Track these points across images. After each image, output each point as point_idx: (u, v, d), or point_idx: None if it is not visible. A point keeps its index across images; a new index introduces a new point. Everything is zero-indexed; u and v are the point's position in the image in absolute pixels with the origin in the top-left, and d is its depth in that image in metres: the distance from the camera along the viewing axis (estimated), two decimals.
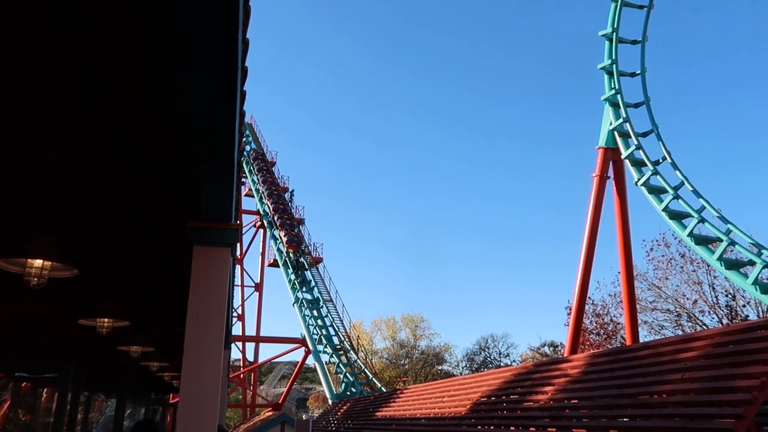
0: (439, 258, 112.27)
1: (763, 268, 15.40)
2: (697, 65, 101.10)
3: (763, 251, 16.33)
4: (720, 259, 16.38)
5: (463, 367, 53.37)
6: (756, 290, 15.51)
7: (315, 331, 31.29)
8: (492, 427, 8.90)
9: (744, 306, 24.86)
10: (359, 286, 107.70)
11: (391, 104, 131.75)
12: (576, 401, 7.53)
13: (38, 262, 4.42)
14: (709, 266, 23.47)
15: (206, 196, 3.37)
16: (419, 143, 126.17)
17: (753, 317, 23.73)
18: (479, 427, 9.34)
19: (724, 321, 24.60)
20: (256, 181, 39.93)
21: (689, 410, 5.37)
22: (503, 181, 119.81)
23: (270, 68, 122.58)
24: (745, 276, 15.89)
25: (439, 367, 53.76)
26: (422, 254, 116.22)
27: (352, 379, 28.71)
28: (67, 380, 8.16)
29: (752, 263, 15.79)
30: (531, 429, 7.74)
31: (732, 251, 16.83)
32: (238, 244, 4.36)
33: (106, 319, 6.61)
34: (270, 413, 31.28)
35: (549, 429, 7.39)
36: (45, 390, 10.38)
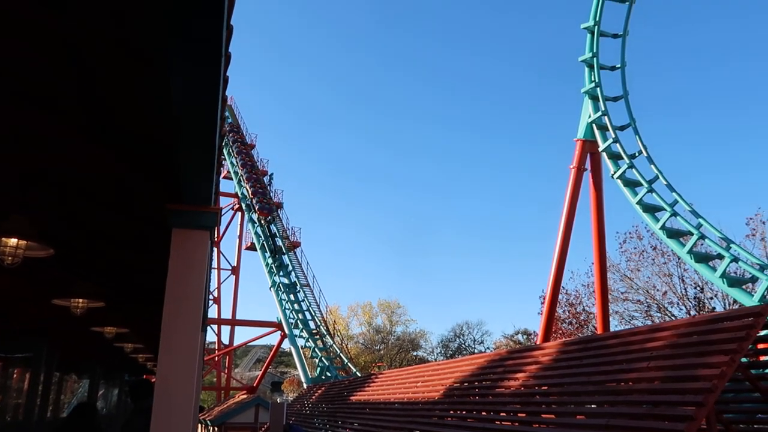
0: (417, 246, 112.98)
1: (731, 261, 15.83)
2: (677, 62, 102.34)
3: (731, 245, 16.76)
4: (690, 252, 16.79)
5: (438, 354, 54.06)
6: (723, 283, 15.95)
7: (291, 316, 31.31)
8: (464, 412, 9.08)
9: (711, 298, 25.56)
10: (337, 272, 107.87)
11: (368, 96, 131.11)
12: (546, 388, 7.71)
13: (13, 241, 4.36)
14: (679, 259, 24.03)
15: (186, 179, 3.36)
16: (404, 131, 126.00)
17: (720, 309, 24.40)
18: (452, 412, 9.52)
19: (692, 312, 25.26)
20: (235, 164, 39.52)
21: (654, 397, 5.56)
22: (484, 173, 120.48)
23: (253, 57, 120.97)
24: (714, 269, 16.32)
25: (414, 353, 54.33)
26: (400, 242, 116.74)
27: (327, 364, 28.85)
28: (40, 360, 8.09)
29: (721, 257, 16.21)
30: (502, 414, 7.90)
31: (702, 245, 17.24)
32: (216, 227, 4.34)
33: (80, 300, 6.57)
34: (244, 396, 31.28)
35: (519, 414, 7.56)
36: (17, 369, 10.27)
